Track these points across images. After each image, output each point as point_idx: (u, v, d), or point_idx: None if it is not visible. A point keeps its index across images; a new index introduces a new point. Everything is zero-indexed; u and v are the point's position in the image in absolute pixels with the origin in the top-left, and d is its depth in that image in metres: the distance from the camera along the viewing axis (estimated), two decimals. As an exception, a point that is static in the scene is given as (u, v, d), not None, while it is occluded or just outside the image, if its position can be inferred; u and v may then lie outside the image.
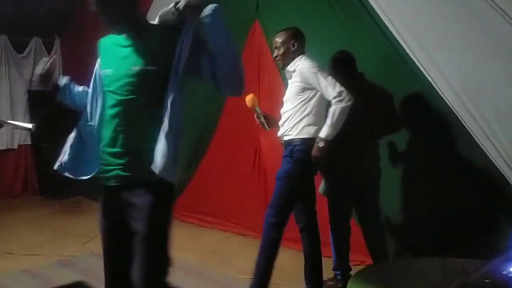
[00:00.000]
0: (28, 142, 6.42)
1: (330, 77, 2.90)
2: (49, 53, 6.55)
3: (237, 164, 4.64)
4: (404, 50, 3.43)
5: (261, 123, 3.20)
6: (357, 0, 3.65)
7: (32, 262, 3.88)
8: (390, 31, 3.48)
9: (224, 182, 4.78)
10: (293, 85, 3.06)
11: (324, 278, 3.30)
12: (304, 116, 2.99)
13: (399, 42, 3.45)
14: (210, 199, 4.93)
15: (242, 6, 4.47)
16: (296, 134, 3.00)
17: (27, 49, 6.36)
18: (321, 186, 3.48)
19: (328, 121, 2.87)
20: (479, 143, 3.17)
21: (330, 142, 2.86)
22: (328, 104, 2.93)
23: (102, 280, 3.50)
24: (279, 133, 3.15)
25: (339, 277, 3.42)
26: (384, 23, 3.51)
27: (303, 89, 3.00)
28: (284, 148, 3.10)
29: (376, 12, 3.54)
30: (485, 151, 3.15)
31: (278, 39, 3.14)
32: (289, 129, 3.04)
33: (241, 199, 4.63)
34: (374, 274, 2.22)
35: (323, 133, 2.87)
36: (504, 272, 1.78)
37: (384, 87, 3.51)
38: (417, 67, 3.38)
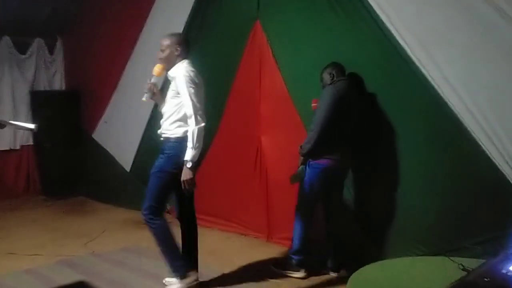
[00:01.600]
0: (31, 142, 6.44)
1: (193, 94, 3.07)
2: (51, 54, 6.58)
3: (238, 164, 4.64)
4: (405, 50, 3.44)
5: (149, 89, 3.30)
6: (357, 0, 3.66)
7: (34, 262, 3.89)
8: (390, 31, 3.49)
9: (225, 182, 4.79)
10: (170, 89, 3.24)
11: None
12: (178, 119, 3.16)
13: (399, 42, 3.46)
14: (211, 199, 4.92)
15: (243, 6, 4.47)
16: (171, 134, 3.18)
17: (30, 50, 6.39)
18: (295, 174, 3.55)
19: (190, 144, 3.05)
20: (479, 142, 3.18)
21: (196, 163, 3.09)
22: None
23: (104, 280, 3.54)
24: (159, 131, 3.31)
25: (293, 261, 3.59)
26: (384, 22, 3.52)
27: (177, 94, 3.16)
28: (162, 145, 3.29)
29: (376, 12, 3.55)
30: (486, 150, 3.15)
31: (164, 42, 3.24)
32: (165, 128, 3.23)
33: (242, 199, 4.64)
34: (374, 273, 2.23)
35: (188, 156, 3.05)
36: (503, 271, 1.78)
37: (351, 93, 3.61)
38: (418, 67, 3.39)
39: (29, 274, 3.66)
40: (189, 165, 3.05)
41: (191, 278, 3.26)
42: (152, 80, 3.30)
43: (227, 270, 3.77)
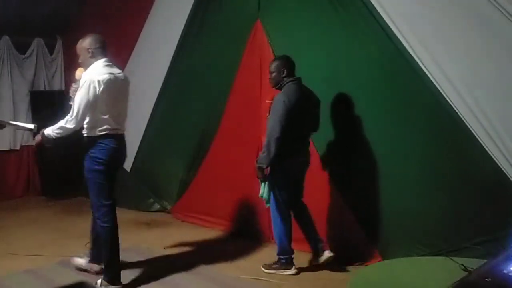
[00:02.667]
0: (31, 142, 6.43)
1: (81, 100, 3.17)
2: (51, 53, 6.57)
3: (239, 164, 4.64)
4: (406, 49, 3.43)
5: (71, 93, 3.37)
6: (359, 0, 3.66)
7: (34, 262, 3.88)
8: (392, 30, 3.49)
9: (226, 182, 4.79)
10: None
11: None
12: (89, 120, 3.28)
13: (401, 41, 3.46)
14: (212, 199, 4.93)
15: (244, 6, 4.47)
16: (88, 134, 3.33)
17: (29, 50, 6.37)
18: (263, 191, 3.62)
19: (54, 126, 3.24)
20: (481, 142, 3.18)
21: (48, 139, 3.27)
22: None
23: (104, 280, 3.53)
24: None
25: (283, 261, 3.67)
26: (386, 22, 3.52)
27: None
28: None
29: (378, 12, 3.55)
30: (488, 150, 3.15)
31: (77, 46, 3.42)
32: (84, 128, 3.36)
33: (244, 199, 4.63)
34: (375, 273, 2.23)
35: (45, 130, 3.26)
36: (505, 271, 1.78)
37: (313, 92, 3.69)
38: (420, 66, 3.38)
39: (30, 274, 3.66)
40: (39, 136, 3.29)
41: (118, 287, 3.37)
42: (75, 84, 3.36)
43: (227, 270, 3.77)
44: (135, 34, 5.51)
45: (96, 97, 3.18)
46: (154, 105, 5.38)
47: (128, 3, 5.62)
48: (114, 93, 3.30)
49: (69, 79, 6.67)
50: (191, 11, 4.89)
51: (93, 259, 3.61)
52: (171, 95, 5.22)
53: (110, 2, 5.79)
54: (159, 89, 5.31)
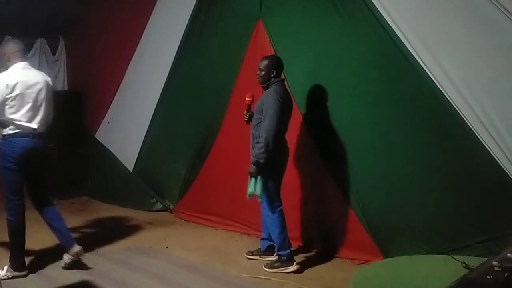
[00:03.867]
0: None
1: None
2: (53, 54, 6.59)
3: (241, 163, 4.64)
4: (408, 49, 3.44)
5: None
6: (361, 0, 3.66)
7: (37, 261, 3.89)
8: (393, 30, 3.50)
9: (228, 181, 4.80)
10: None
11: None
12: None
13: (402, 42, 3.46)
14: (214, 198, 4.94)
15: (245, 6, 4.48)
16: (6, 131, 3.50)
17: (32, 50, 6.38)
18: (253, 188, 3.71)
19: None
20: (483, 142, 3.18)
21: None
22: None
23: (107, 279, 3.55)
24: None
25: (283, 257, 3.70)
26: (387, 22, 3.52)
27: None
28: None
29: (379, 11, 3.55)
30: (489, 149, 3.16)
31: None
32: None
33: (245, 198, 4.64)
34: (376, 271, 2.24)
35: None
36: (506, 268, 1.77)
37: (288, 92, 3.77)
38: (421, 66, 3.39)
39: (32, 273, 3.67)
40: None
41: (22, 273, 3.58)
42: None
43: (230, 269, 3.78)
44: (137, 34, 5.52)
45: (5, 99, 3.39)
46: (157, 105, 5.39)
47: (130, 4, 5.64)
48: (26, 95, 3.47)
49: (72, 79, 6.72)
50: (193, 11, 4.90)
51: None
52: (173, 95, 5.23)
53: (112, 3, 5.81)
54: (161, 89, 5.32)
